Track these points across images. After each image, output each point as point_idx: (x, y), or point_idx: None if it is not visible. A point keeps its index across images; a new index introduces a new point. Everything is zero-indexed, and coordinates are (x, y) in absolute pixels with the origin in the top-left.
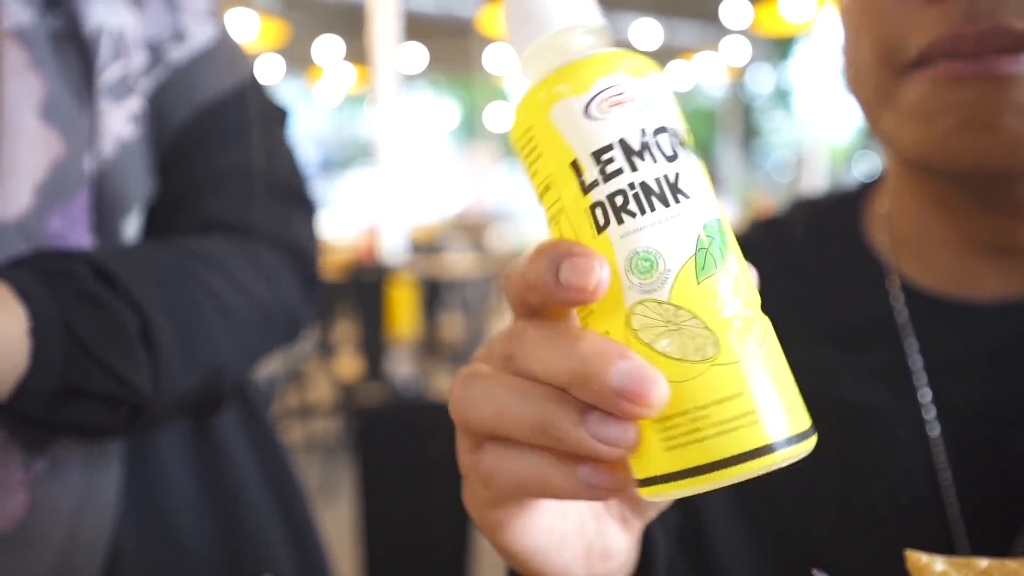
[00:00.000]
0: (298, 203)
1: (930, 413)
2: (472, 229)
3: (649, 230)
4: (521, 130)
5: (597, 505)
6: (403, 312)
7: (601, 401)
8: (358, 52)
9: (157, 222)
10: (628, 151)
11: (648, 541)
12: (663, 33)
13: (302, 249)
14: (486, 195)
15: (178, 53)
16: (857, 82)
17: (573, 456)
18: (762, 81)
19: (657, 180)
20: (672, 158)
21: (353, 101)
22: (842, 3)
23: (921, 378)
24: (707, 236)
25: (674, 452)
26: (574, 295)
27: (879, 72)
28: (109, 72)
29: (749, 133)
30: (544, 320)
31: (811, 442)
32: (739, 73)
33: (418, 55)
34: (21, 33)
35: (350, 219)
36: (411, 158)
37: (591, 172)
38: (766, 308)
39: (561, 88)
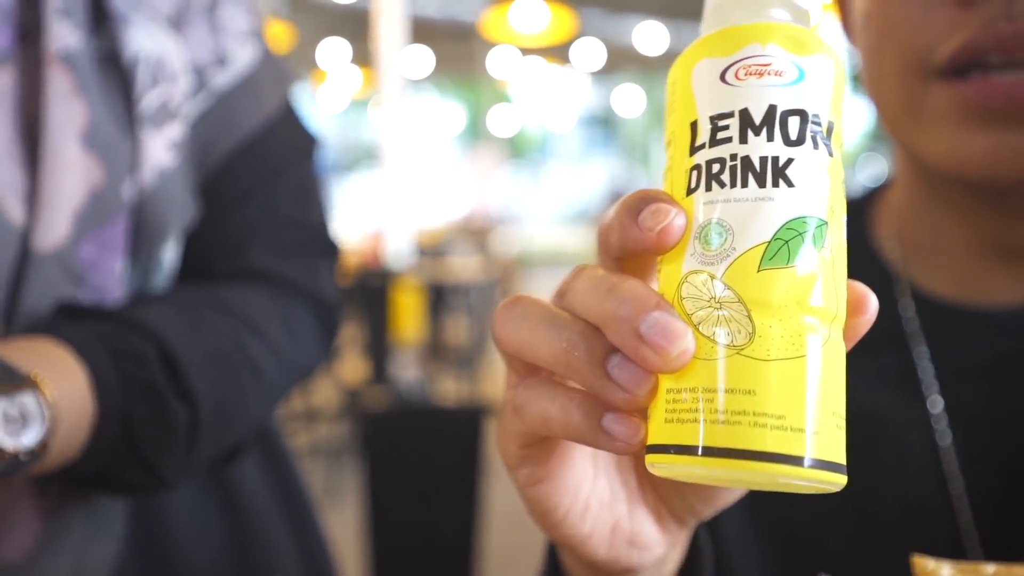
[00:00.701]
0: (326, 251)
1: (941, 421)
2: (477, 233)
3: (731, 204)
4: (669, 83)
5: (631, 486)
6: (408, 316)
7: (625, 344)
8: (364, 55)
9: (196, 259)
10: (746, 122)
11: (695, 548)
12: (668, 36)
13: (328, 302)
14: (491, 198)
15: (220, 79)
16: (880, 90)
17: (600, 403)
18: None
19: (762, 158)
20: (795, 143)
21: (358, 105)
22: (865, 11)
23: (932, 385)
24: (793, 230)
25: (671, 425)
26: (645, 235)
27: (905, 79)
28: (148, 99)
29: None
30: (611, 268)
31: (833, 476)
32: None
33: (423, 59)
34: (68, 57)
35: (355, 223)
36: (416, 161)
37: (704, 135)
38: None
39: (711, 48)
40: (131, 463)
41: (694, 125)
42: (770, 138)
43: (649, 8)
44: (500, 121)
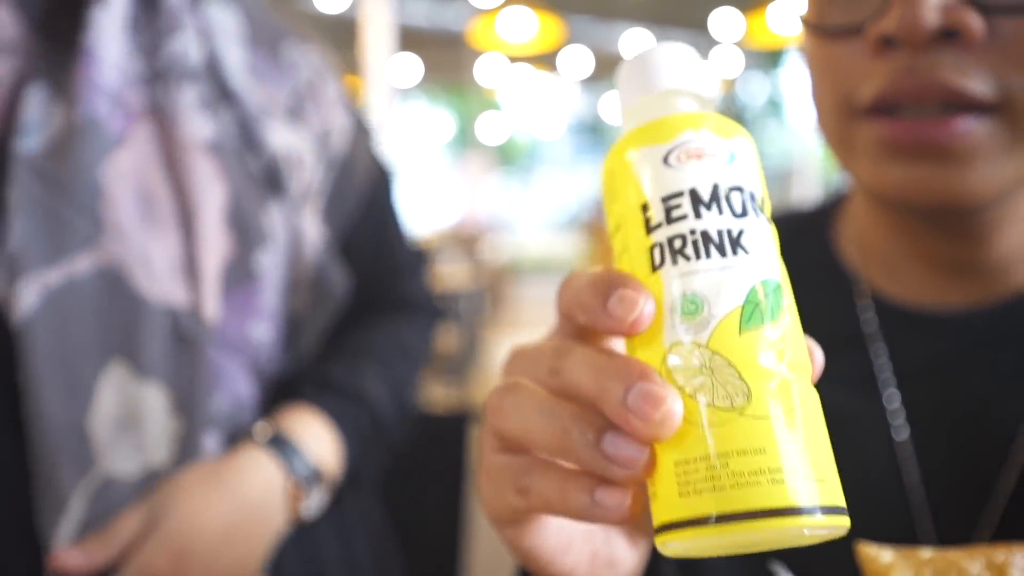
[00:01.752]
0: (425, 260)
1: (898, 418)
2: (467, 241)
3: (701, 275)
4: (606, 175)
5: None
6: None
7: (615, 416)
8: (352, 64)
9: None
10: (696, 200)
11: (656, 559)
12: (655, 43)
13: (440, 312)
14: (480, 206)
15: (333, 149)
16: (821, 121)
17: (593, 478)
18: (754, 91)
19: (719, 231)
20: (740, 215)
21: None
22: (807, 50)
23: (889, 383)
24: (760, 291)
25: (688, 498)
26: (616, 324)
27: (837, 115)
28: (292, 186)
29: None
30: (591, 342)
31: (842, 520)
32: (731, 84)
33: (411, 67)
34: (207, 145)
35: None
36: (405, 170)
37: (657, 215)
38: None
39: (647, 137)
40: (348, 479)
41: (645, 207)
42: (720, 212)
43: (635, 15)
44: (489, 129)
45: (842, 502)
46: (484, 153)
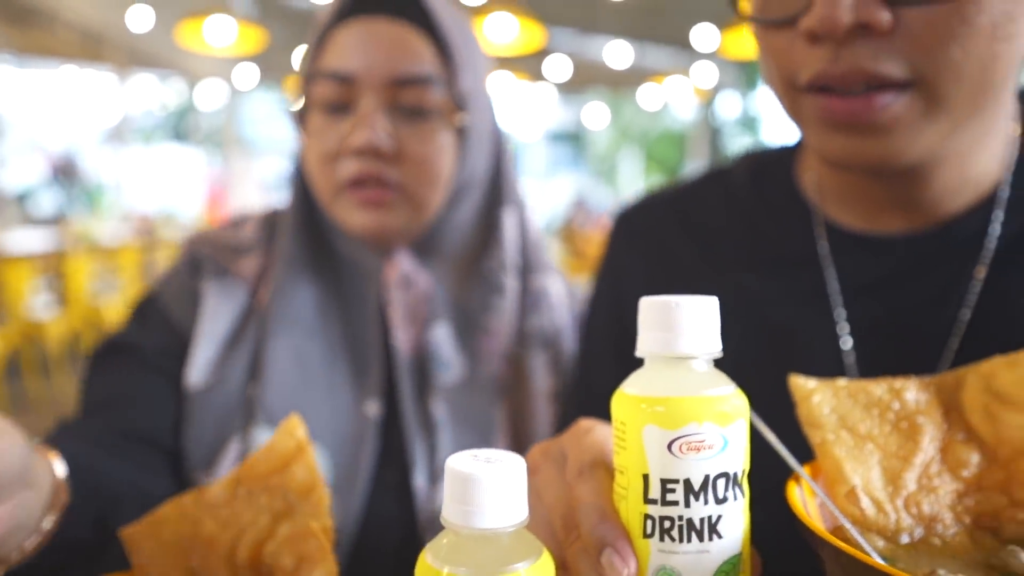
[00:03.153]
0: None
1: (844, 330)
2: None
3: (680, 556)
4: (619, 418)
5: None
6: None
7: None
8: None
9: None
10: (689, 489)
11: None
12: (634, 56)
13: None
14: None
15: (564, 353)
16: (775, 95)
17: None
18: (730, 108)
19: (702, 519)
20: (722, 501)
21: None
22: (754, 35)
23: (838, 300)
24: (723, 571)
25: None
26: (602, 574)
27: (784, 91)
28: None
29: (717, 157)
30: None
31: None
32: (708, 97)
33: None
34: (548, 394)
35: None
36: None
37: (655, 491)
38: (711, 243)
39: (659, 413)
40: None
41: (646, 478)
42: (705, 502)
43: (616, 28)
44: None
45: None
46: None
